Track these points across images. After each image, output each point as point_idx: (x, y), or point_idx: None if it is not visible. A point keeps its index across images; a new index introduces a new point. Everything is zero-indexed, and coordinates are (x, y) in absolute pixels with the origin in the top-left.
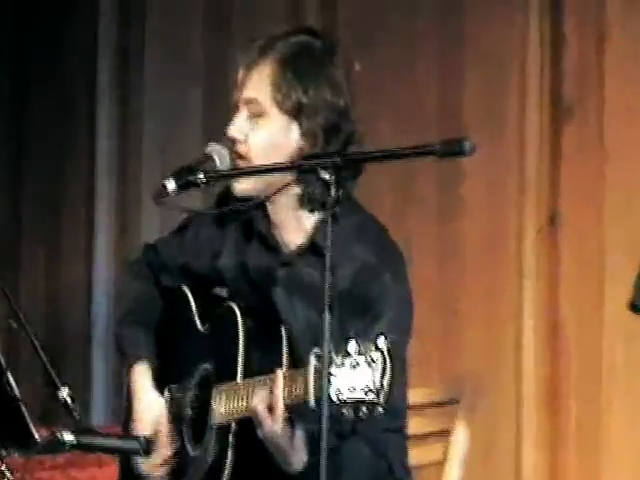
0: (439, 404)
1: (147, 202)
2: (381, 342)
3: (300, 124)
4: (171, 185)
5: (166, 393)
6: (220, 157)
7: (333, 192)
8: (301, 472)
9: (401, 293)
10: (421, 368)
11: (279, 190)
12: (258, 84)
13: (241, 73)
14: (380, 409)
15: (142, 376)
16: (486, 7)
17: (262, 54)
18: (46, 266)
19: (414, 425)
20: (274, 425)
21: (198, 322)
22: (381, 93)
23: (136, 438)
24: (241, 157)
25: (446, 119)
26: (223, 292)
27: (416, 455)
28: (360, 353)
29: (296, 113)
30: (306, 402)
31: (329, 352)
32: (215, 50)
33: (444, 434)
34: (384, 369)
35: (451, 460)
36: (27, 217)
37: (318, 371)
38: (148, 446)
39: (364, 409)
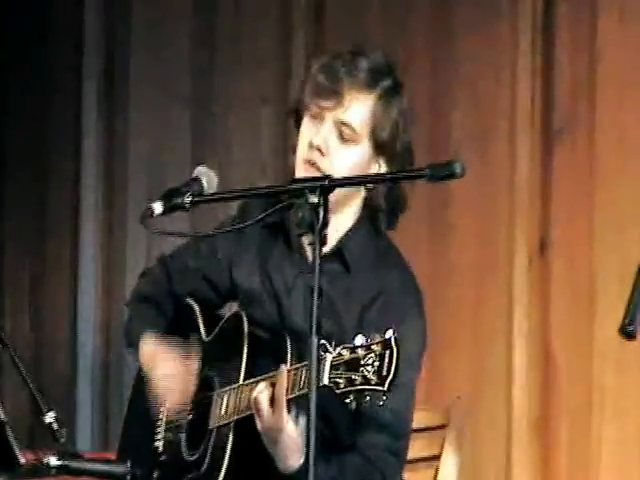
0: (428, 429)
1: (133, 224)
2: (389, 332)
3: (386, 160)
4: (158, 208)
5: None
6: (208, 180)
7: (321, 215)
8: (296, 472)
9: (420, 321)
10: None
11: (271, 212)
12: (359, 112)
13: (345, 91)
14: (384, 397)
15: (152, 344)
16: (477, 29)
17: (369, 85)
18: (30, 290)
19: None
20: (276, 418)
21: (203, 332)
22: None
23: (123, 463)
24: (315, 167)
25: (436, 145)
26: (233, 307)
27: None
28: (367, 342)
29: (382, 150)
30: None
31: (330, 345)
32: (203, 71)
33: (433, 459)
34: (391, 357)
35: None
36: (10, 241)
37: (321, 362)
38: (135, 472)
39: (368, 398)
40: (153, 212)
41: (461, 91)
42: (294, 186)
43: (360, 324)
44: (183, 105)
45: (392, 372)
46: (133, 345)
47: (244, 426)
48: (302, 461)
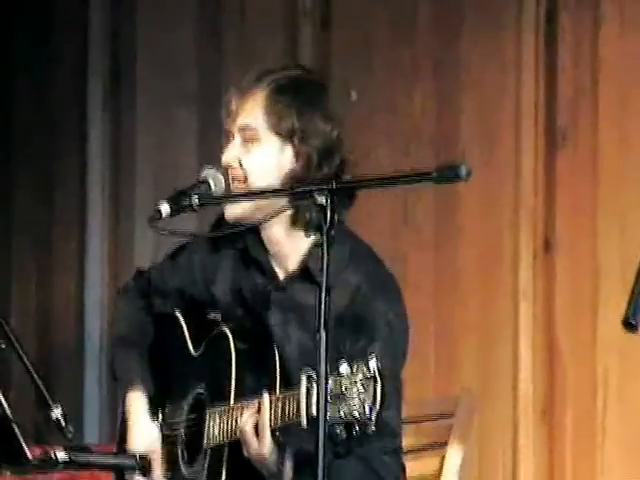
0: (435, 417)
1: (140, 221)
2: (373, 362)
3: (294, 147)
4: (165, 209)
5: (160, 416)
6: (215, 181)
7: (329, 216)
8: None
9: (395, 318)
10: (417, 385)
11: (273, 215)
12: (252, 110)
13: (234, 103)
14: (372, 428)
15: (136, 403)
16: (481, 34)
17: (256, 83)
18: (37, 285)
19: (410, 439)
20: (261, 446)
21: (191, 346)
22: (377, 121)
23: (131, 455)
24: (239, 181)
25: (442, 147)
26: (217, 316)
27: (411, 469)
28: (352, 373)
29: (290, 136)
30: (298, 423)
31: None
32: (209, 69)
33: (439, 447)
34: (375, 388)
35: (446, 474)
36: (18, 236)
37: (309, 391)
38: (143, 463)
39: (356, 428)
40: (161, 214)
41: (467, 94)
42: (301, 188)
43: (338, 336)
44: (189, 102)
45: (377, 404)
46: (121, 387)
47: (238, 446)
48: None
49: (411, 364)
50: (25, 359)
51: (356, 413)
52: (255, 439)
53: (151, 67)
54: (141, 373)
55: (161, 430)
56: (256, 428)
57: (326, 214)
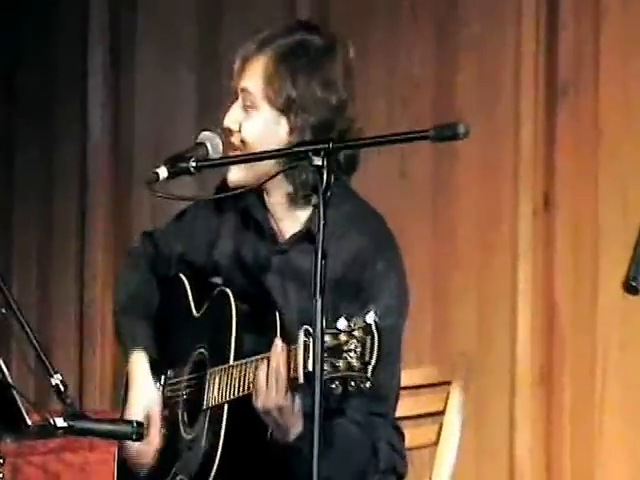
0: (432, 385)
1: (139, 188)
2: (369, 317)
3: (289, 119)
4: (163, 172)
5: (162, 378)
6: (212, 145)
7: (325, 177)
8: (293, 445)
9: (395, 280)
10: (414, 349)
11: (269, 179)
12: (252, 76)
13: (238, 64)
14: (368, 383)
15: (138, 364)
16: None
17: (260, 47)
18: (38, 252)
19: (407, 406)
20: (278, 396)
21: (193, 308)
22: (375, 78)
23: (128, 422)
24: (235, 149)
25: (441, 102)
26: (219, 281)
27: (409, 436)
28: (349, 328)
29: (285, 108)
30: (296, 379)
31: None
32: (208, 39)
33: (437, 415)
34: (372, 343)
35: (444, 441)
36: (18, 203)
37: (307, 347)
38: (140, 431)
39: (352, 383)
40: (158, 177)
41: (466, 49)
42: (298, 149)
43: (338, 298)
44: (189, 70)
45: (374, 358)
46: (125, 350)
47: (237, 406)
48: (300, 432)
49: (407, 328)
50: (25, 325)
51: (354, 366)
52: (265, 389)
53: (152, 38)
54: (145, 339)
55: (163, 393)
56: (267, 378)
57: (322, 175)
